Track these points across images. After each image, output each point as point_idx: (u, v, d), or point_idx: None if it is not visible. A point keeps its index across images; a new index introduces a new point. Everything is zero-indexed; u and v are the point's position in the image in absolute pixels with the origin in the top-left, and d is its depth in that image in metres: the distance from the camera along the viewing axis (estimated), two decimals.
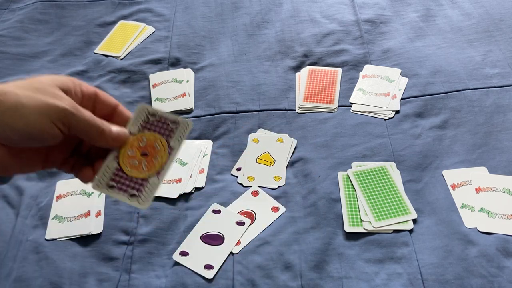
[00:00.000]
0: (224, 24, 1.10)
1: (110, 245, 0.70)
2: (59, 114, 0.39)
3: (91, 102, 0.45)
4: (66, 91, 0.42)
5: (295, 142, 0.80)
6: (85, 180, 0.46)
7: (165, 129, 0.48)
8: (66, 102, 0.40)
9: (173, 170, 0.78)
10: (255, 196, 0.74)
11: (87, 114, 0.42)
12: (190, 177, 0.77)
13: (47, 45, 1.08)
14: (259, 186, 0.75)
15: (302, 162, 0.79)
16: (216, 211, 0.73)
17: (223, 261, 0.67)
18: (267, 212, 0.72)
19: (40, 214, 0.74)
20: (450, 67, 0.92)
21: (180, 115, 0.48)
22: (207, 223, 0.71)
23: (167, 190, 0.75)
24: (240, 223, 0.71)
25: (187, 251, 0.68)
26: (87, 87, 0.45)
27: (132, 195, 0.45)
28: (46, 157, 0.44)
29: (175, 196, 0.75)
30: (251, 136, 0.81)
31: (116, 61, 1.02)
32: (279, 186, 0.76)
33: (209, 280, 0.65)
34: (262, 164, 0.78)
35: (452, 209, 0.70)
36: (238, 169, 0.79)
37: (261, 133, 0.82)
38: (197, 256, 0.67)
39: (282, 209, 0.72)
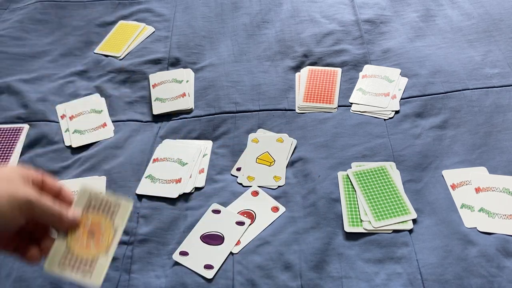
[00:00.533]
0: (224, 24, 1.10)
1: None
2: (25, 204, 0.42)
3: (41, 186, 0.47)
4: (28, 181, 0.45)
5: (295, 142, 0.80)
6: (32, 261, 0.46)
7: (108, 209, 0.50)
8: (30, 193, 0.43)
9: (173, 170, 0.78)
10: (255, 196, 0.74)
11: (48, 202, 0.45)
12: (190, 177, 0.77)
13: (47, 45, 1.08)
14: (259, 186, 0.75)
15: (302, 162, 0.79)
16: (216, 211, 0.73)
17: (223, 261, 0.67)
18: (267, 212, 0.72)
19: None
20: (450, 67, 0.92)
21: (120, 195, 0.50)
22: (207, 223, 0.71)
23: (167, 190, 0.76)
24: (240, 223, 0.71)
25: (187, 251, 0.68)
26: (37, 174, 0.47)
27: (84, 274, 0.47)
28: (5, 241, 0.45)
29: (175, 196, 0.75)
30: (251, 136, 0.81)
31: (116, 61, 1.02)
32: (279, 186, 0.76)
33: (209, 280, 0.65)
34: (262, 164, 0.78)
35: (452, 209, 0.70)
36: (238, 169, 0.79)
37: (261, 133, 0.82)
38: (197, 256, 0.67)
39: (282, 209, 0.72)
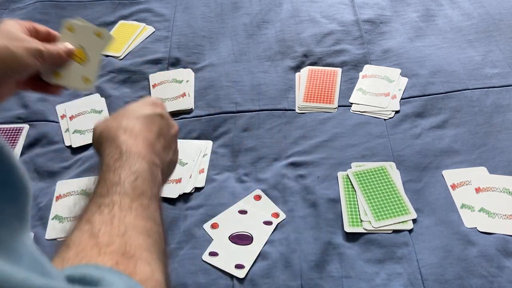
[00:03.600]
0: (224, 24, 1.10)
1: None
2: (37, 52, 0.55)
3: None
4: (27, 32, 0.57)
5: (113, 38, 0.63)
6: (54, 93, 0.61)
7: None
8: (37, 43, 0.56)
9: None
10: (257, 200, 0.74)
11: (50, 46, 0.58)
12: (190, 177, 0.77)
13: None
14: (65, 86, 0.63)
15: (301, 162, 0.79)
16: (243, 212, 0.73)
17: (253, 260, 0.67)
18: (262, 228, 0.72)
19: (40, 214, 0.74)
20: (450, 67, 0.92)
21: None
22: (234, 224, 0.71)
23: (167, 190, 0.75)
24: (268, 223, 0.71)
25: (216, 251, 0.68)
26: (29, 24, 0.58)
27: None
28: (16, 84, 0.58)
29: (175, 196, 0.75)
30: (67, 23, 0.62)
31: (116, 61, 1.02)
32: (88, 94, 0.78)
33: (239, 279, 0.64)
34: (72, 59, 0.62)
35: (452, 209, 0.70)
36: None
37: (80, 22, 0.62)
38: (226, 256, 0.67)
39: (282, 216, 0.72)
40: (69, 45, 0.61)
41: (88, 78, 0.61)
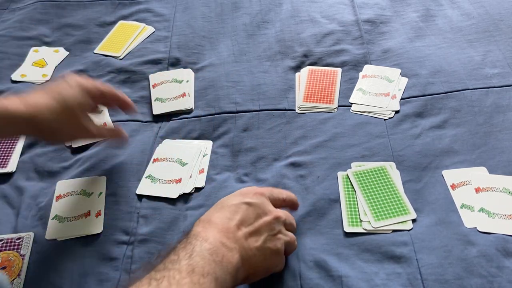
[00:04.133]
0: (224, 24, 1.10)
1: (110, 245, 0.70)
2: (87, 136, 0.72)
3: None
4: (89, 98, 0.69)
5: (66, 53, 1.03)
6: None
7: (13, 245, 0.69)
8: (87, 132, 0.71)
9: (173, 170, 0.78)
10: None
11: (106, 132, 0.77)
12: (190, 177, 0.77)
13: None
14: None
15: (301, 162, 0.79)
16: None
17: None
18: None
19: (40, 214, 0.74)
20: (450, 67, 0.92)
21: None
22: None
23: (167, 190, 0.76)
24: None
25: None
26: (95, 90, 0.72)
27: None
28: None
29: (175, 196, 0.75)
30: (33, 48, 1.04)
31: (115, 61, 1.02)
32: (46, 81, 0.93)
33: None
34: (36, 66, 1.00)
35: (452, 209, 0.70)
36: None
37: (43, 48, 1.05)
38: None
39: None
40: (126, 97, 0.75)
41: None
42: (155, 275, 0.43)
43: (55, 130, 0.66)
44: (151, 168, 0.79)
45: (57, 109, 0.64)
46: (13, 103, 0.62)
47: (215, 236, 0.49)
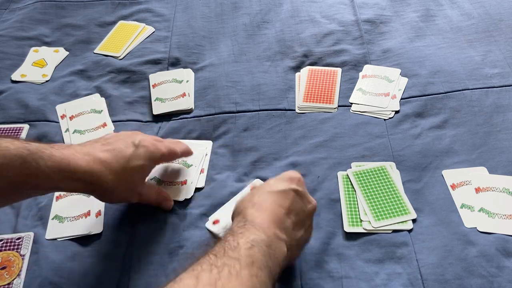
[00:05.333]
0: (224, 24, 1.10)
1: (110, 245, 0.70)
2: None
3: None
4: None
5: (66, 53, 1.04)
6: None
7: (13, 245, 0.69)
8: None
9: (178, 173, 0.78)
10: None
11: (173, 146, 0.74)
12: (192, 182, 0.77)
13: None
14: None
15: (301, 162, 0.79)
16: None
17: None
18: None
19: (40, 214, 0.74)
20: (450, 67, 0.92)
21: None
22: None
23: (173, 192, 0.75)
24: None
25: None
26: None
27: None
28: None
29: (181, 199, 0.74)
30: (33, 48, 1.05)
31: (115, 61, 1.02)
32: (46, 81, 0.97)
33: None
34: (36, 66, 1.01)
35: (452, 209, 0.70)
36: None
37: (44, 48, 1.05)
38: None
39: None
40: (187, 147, 0.75)
41: None
42: (215, 261, 0.45)
43: (109, 191, 0.63)
44: (154, 171, 0.78)
45: (118, 173, 0.61)
46: (75, 157, 0.58)
47: (269, 225, 0.51)
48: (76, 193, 0.76)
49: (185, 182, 0.77)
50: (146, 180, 0.70)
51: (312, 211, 0.60)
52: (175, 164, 0.79)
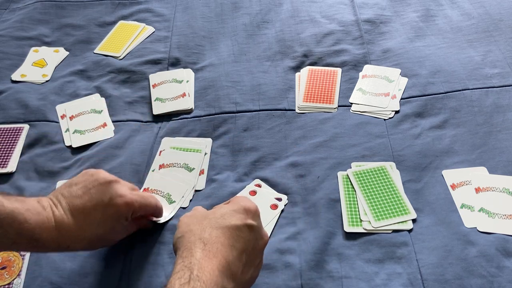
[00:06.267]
0: (224, 24, 1.10)
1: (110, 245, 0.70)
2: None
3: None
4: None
5: (66, 53, 1.05)
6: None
7: None
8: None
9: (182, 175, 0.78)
10: (252, 195, 0.74)
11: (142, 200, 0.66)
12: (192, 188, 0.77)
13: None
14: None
15: (301, 162, 0.79)
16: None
17: None
18: (266, 210, 0.72)
19: None
20: (450, 67, 0.92)
21: None
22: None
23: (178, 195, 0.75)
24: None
25: None
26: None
27: None
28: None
29: (186, 205, 0.74)
30: (33, 48, 1.05)
31: (115, 61, 1.02)
32: (46, 81, 0.97)
33: None
34: (36, 66, 1.01)
35: (452, 209, 0.70)
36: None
37: (44, 48, 1.06)
38: None
39: (281, 206, 0.72)
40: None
41: None
42: None
43: (89, 249, 0.63)
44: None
45: (87, 239, 0.59)
46: (42, 228, 0.54)
47: (217, 280, 0.46)
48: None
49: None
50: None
51: (263, 247, 0.55)
52: (158, 196, 0.74)
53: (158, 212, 0.68)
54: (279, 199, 0.73)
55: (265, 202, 0.73)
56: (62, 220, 0.56)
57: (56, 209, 0.56)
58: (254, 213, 0.54)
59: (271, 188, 0.75)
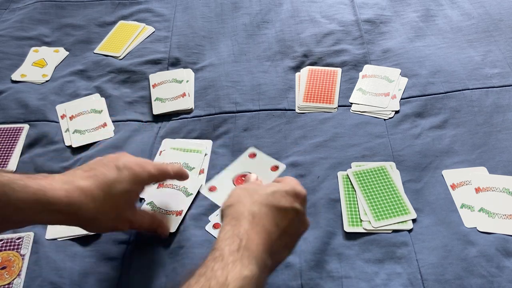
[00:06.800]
0: (224, 24, 1.10)
1: (110, 245, 0.70)
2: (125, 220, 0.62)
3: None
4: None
5: (66, 53, 1.05)
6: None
7: (13, 245, 0.69)
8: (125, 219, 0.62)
9: (176, 200, 0.76)
10: (252, 158, 0.71)
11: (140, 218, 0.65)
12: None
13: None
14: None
15: (301, 162, 0.79)
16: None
17: None
18: (266, 172, 0.68)
19: None
20: (449, 67, 0.92)
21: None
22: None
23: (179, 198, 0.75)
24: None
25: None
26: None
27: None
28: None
29: (187, 206, 0.74)
30: (33, 49, 1.06)
31: (115, 61, 1.02)
32: (46, 81, 0.98)
33: None
34: (36, 66, 1.01)
35: (452, 209, 0.70)
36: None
37: (44, 48, 1.07)
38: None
39: (282, 167, 0.68)
40: (180, 168, 0.67)
41: None
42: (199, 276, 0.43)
43: (92, 221, 0.58)
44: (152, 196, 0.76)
45: (101, 200, 0.57)
46: (52, 187, 0.54)
47: (262, 254, 0.47)
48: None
49: (180, 213, 0.72)
50: (139, 205, 0.64)
51: (302, 233, 0.57)
52: (174, 191, 0.75)
53: (181, 173, 0.68)
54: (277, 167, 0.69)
55: (265, 164, 0.69)
56: (74, 179, 0.57)
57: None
58: (303, 199, 0.55)
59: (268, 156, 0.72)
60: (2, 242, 0.70)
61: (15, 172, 0.63)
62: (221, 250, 0.45)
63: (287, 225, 0.51)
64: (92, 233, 0.70)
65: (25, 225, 0.59)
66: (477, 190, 0.72)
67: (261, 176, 0.59)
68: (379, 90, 0.89)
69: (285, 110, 0.88)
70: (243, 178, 0.63)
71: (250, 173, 0.61)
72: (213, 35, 1.07)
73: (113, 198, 0.58)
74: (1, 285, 0.64)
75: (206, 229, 0.70)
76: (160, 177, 0.65)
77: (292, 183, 0.56)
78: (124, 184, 0.58)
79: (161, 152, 0.82)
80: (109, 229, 0.64)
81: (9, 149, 0.85)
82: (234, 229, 0.48)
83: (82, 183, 0.56)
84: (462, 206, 0.71)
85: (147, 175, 0.62)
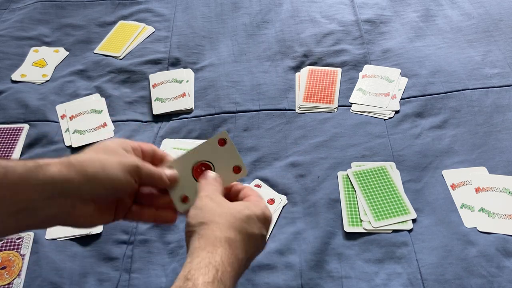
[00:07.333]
0: (224, 24, 1.10)
1: (110, 245, 0.70)
2: (133, 168, 0.50)
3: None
4: (129, 151, 0.52)
5: (66, 53, 1.05)
6: (169, 222, 0.56)
7: (13, 245, 0.69)
8: (135, 159, 0.51)
9: None
10: (221, 145, 0.69)
11: (150, 165, 0.52)
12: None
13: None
14: None
15: (301, 162, 0.79)
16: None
17: None
18: (228, 171, 0.67)
19: None
20: (449, 67, 0.92)
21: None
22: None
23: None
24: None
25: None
26: (134, 143, 0.54)
27: None
28: (116, 210, 0.54)
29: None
30: (33, 48, 1.06)
31: (115, 61, 1.02)
32: (46, 81, 0.99)
33: None
34: (36, 66, 1.01)
35: (452, 209, 0.70)
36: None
37: (44, 48, 1.07)
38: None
39: (244, 171, 0.67)
40: (173, 172, 0.55)
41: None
42: None
43: (98, 172, 0.50)
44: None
45: (97, 151, 0.52)
46: (45, 162, 0.51)
47: (233, 286, 0.47)
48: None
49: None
50: None
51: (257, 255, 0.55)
52: None
53: (160, 182, 0.55)
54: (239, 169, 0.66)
55: (229, 159, 0.60)
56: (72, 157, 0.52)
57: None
58: (270, 223, 0.54)
59: (270, 189, 0.75)
60: (2, 242, 0.70)
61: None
62: (194, 281, 0.43)
63: (254, 251, 0.51)
64: (91, 233, 0.70)
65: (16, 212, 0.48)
66: (477, 190, 0.72)
67: (221, 173, 0.56)
68: (379, 90, 0.89)
69: (285, 110, 0.88)
70: (203, 169, 0.59)
71: (211, 164, 0.58)
72: (213, 35, 1.07)
73: (107, 147, 0.52)
74: (1, 285, 0.64)
75: None
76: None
77: (262, 206, 0.53)
78: (115, 143, 0.53)
79: None
80: (117, 184, 0.50)
81: (9, 149, 0.85)
82: (210, 256, 0.46)
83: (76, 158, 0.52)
84: (462, 206, 0.71)
85: (133, 145, 0.55)
